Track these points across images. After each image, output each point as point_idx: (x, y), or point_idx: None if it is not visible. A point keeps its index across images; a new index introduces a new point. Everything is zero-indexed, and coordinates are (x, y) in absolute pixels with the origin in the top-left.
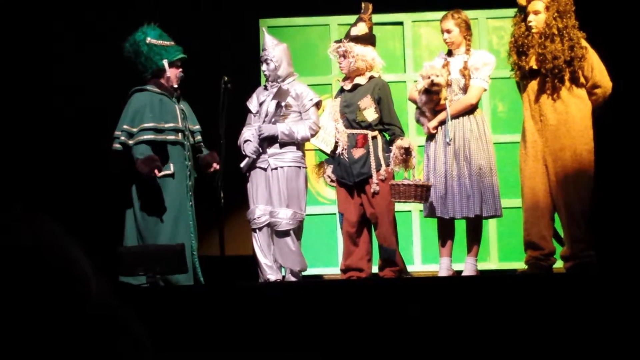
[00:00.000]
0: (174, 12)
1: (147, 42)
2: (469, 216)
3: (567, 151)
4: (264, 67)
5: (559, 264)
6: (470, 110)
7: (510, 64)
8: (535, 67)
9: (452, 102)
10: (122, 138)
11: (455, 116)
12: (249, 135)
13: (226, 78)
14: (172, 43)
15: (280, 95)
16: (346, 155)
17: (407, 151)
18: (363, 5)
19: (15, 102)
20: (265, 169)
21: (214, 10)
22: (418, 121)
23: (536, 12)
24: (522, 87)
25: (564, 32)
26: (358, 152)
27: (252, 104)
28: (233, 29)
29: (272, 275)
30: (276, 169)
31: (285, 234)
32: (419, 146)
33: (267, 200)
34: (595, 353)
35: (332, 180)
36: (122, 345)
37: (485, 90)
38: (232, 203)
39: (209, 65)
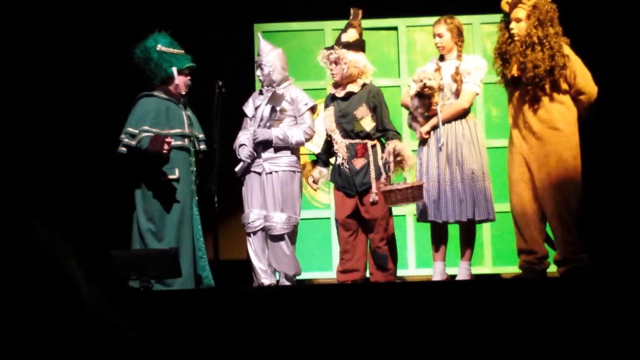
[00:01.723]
0: (168, 17)
1: (158, 49)
2: (461, 220)
3: (551, 158)
4: (258, 72)
5: (553, 268)
6: (463, 114)
7: (495, 70)
8: (516, 75)
9: (444, 107)
10: (125, 140)
11: (448, 121)
12: (244, 140)
13: (220, 82)
14: (182, 51)
15: (275, 99)
16: (347, 166)
17: (396, 152)
18: (352, 10)
19: (18, 104)
20: (259, 174)
21: (208, 15)
22: (410, 126)
23: (517, 20)
24: (507, 94)
25: (545, 40)
26: (359, 162)
27: (248, 108)
28: (227, 33)
29: (266, 279)
30: (271, 173)
31: (279, 238)
32: (412, 150)
33: (261, 205)
34: (590, 357)
35: (314, 181)
36: (115, 351)
37: (477, 94)
38: (227, 207)
39: (204, 69)
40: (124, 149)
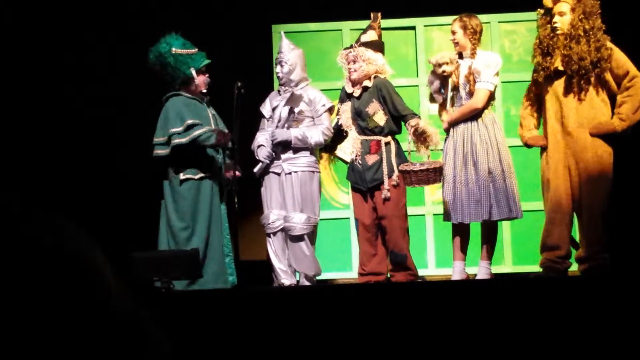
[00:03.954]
0: (187, 19)
1: (173, 52)
2: (477, 221)
3: (588, 152)
4: (277, 69)
5: (573, 267)
6: (479, 114)
7: (535, 64)
8: (560, 68)
9: (460, 107)
10: (176, 140)
11: (463, 120)
12: (262, 140)
13: (239, 83)
14: (196, 50)
15: (294, 100)
16: (360, 161)
17: (420, 130)
18: (372, 14)
19: (41, 106)
20: (279, 174)
21: (227, 16)
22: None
23: (561, 14)
24: (544, 89)
25: (590, 33)
26: (371, 159)
27: (265, 109)
28: (246, 34)
29: (286, 279)
30: (290, 173)
31: (299, 238)
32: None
33: (281, 205)
34: (609, 356)
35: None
36: (142, 349)
37: (491, 92)
38: (247, 208)
39: (223, 70)
40: (163, 152)
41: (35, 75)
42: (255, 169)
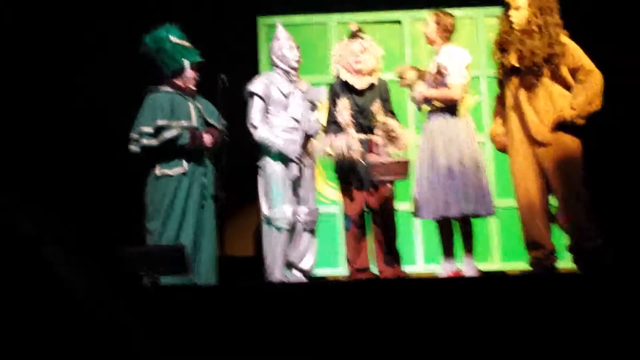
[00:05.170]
0: (171, 10)
1: (171, 40)
2: (436, 218)
3: (550, 148)
4: (297, 52)
5: (563, 264)
6: (447, 110)
7: (495, 61)
8: (515, 64)
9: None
10: (144, 141)
11: (430, 117)
12: (283, 135)
13: (223, 76)
14: (192, 46)
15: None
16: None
17: (389, 128)
18: (352, 26)
19: (32, 101)
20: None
21: (212, 8)
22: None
23: (517, 8)
24: (505, 85)
25: (544, 29)
26: (373, 158)
27: (260, 89)
28: (231, 27)
29: (282, 276)
30: (306, 167)
31: (315, 232)
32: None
33: (294, 200)
34: (599, 353)
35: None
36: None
37: (463, 84)
38: (232, 203)
39: (207, 63)
40: (136, 149)
41: (34, 72)
42: (295, 172)
